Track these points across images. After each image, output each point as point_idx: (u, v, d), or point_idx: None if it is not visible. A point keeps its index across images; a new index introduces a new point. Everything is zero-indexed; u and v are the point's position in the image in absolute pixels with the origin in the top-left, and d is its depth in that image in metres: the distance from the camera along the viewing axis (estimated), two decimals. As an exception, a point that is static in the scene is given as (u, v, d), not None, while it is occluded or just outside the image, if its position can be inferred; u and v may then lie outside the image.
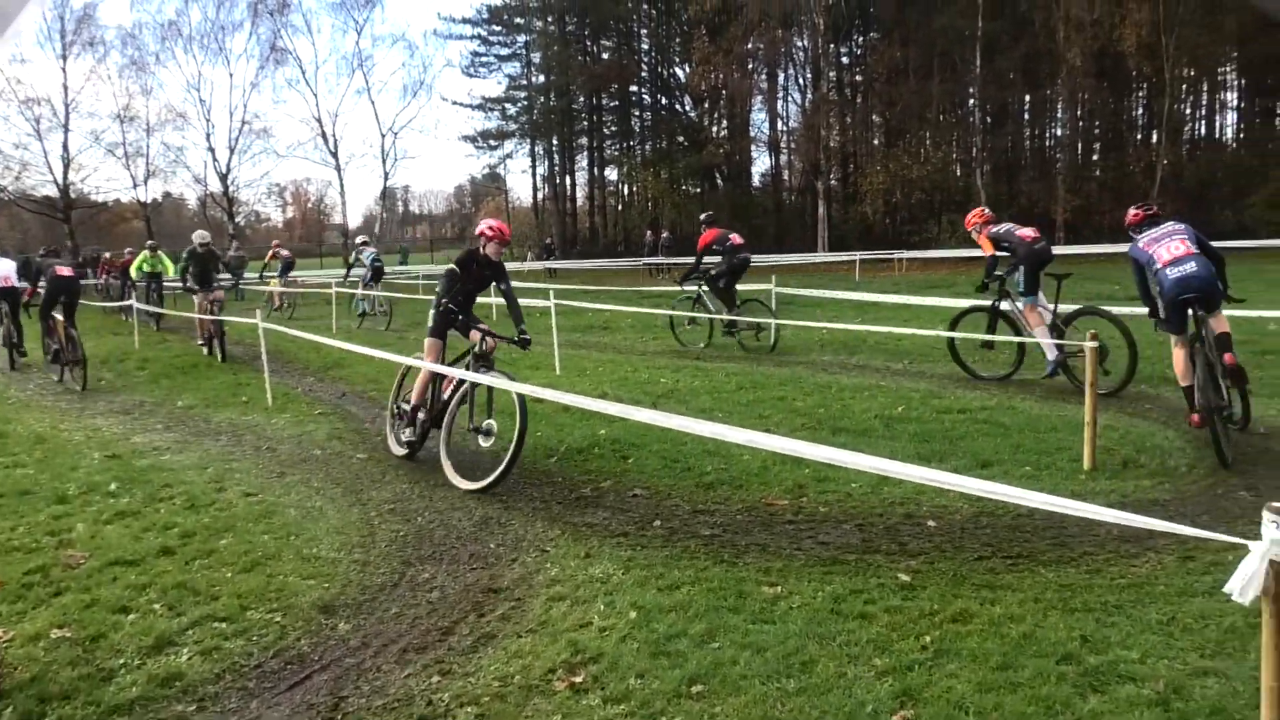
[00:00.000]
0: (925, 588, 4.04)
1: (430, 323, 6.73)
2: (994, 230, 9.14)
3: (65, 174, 49.99)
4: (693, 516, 5.31)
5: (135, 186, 52.76)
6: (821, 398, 8.57)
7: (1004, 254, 8.97)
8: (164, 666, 3.68)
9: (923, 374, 9.89)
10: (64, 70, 49.70)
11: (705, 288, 12.53)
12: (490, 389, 6.29)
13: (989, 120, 41.28)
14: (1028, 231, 8.99)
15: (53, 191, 50.64)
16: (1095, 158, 41.09)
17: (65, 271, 12.20)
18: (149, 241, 21.02)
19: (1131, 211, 7.08)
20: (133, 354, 14.74)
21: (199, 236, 14.11)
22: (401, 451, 7.08)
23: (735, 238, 12.50)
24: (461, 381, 6.43)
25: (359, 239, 23.82)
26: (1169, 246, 6.41)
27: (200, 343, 14.40)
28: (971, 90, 40.02)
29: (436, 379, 6.76)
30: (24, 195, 51.43)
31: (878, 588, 4.06)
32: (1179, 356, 6.45)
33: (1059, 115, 41.56)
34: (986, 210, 9.53)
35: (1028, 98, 41.14)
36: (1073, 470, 5.80)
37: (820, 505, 5.35)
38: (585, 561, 4.63)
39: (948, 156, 41.51)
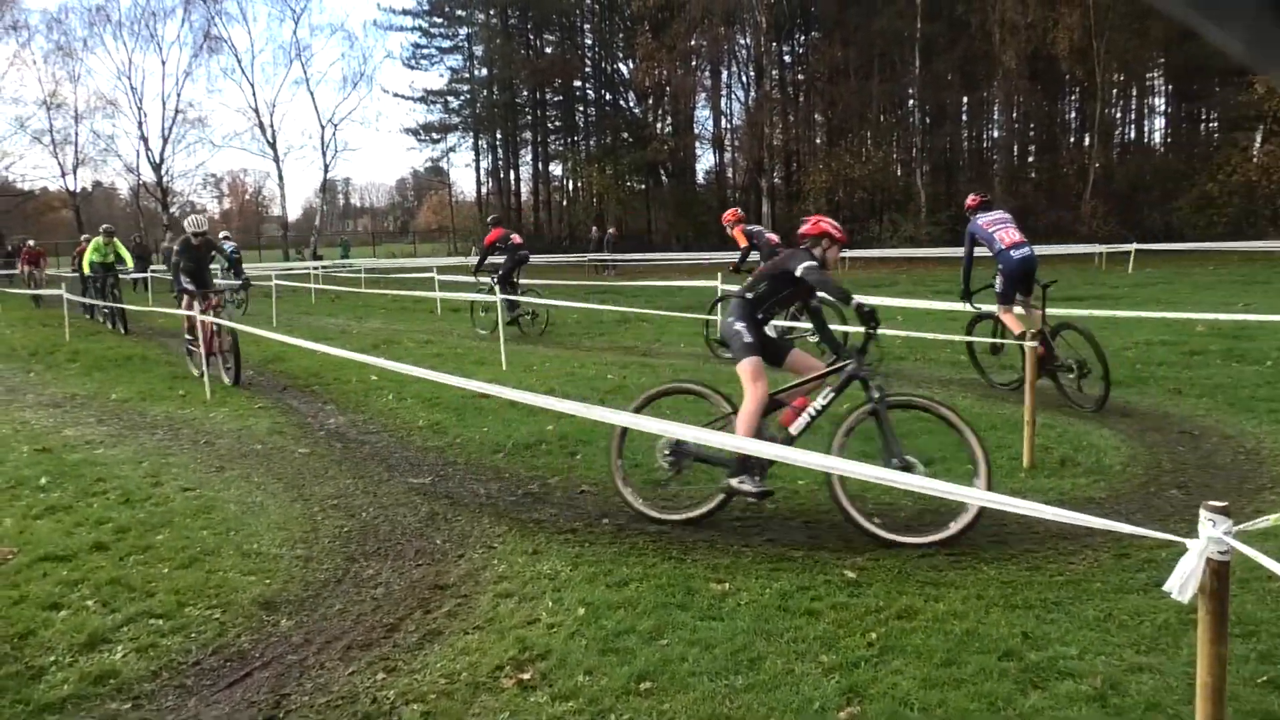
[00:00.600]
0: (871, 584, 4.08)
1: (746, 339, 5.23)
2: (748, 228, 11.22)
3: (-11, 162, 48.30)
4: (641, 513, 5.29)
5: (64, 175, 51.30)
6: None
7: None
8: (97, 664, 3.57)
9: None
10: (-14, 55, 48.02)
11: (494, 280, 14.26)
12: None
13: (928, 121, 42.00)
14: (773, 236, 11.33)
15: (-27, 179, 48.88)
16: (1031, 159, 42.03)
17: None
18: (104, 226, 17.79)
19: (971, 197, 8.59)
20: (64, 346, 14.31)
21: (193, 223, 10.73)
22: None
23: (515, 237, 14.66)
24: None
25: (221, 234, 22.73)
26: (1008, 231, 8.02)
27: (194, 360, 10.67)
28: (911, 91, 40.66)
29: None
30: (-58, 182, 49.59)
31: (824, 584, 4.09)
32: (1012, 319, 8.00)
33: (995, 117, 42.44)
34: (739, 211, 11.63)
35: (965, 99, 41.84)
36: (1012, 468, 5.91)
37: (768, 503, 5.37)
38: (533, 558, 4.59)
39: (888, 156, 42.11)
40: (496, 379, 8.98)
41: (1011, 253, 7.90)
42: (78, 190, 53.44)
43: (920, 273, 27.92)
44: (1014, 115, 40.21)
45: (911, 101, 41.66)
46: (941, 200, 38.38)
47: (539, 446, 6.88)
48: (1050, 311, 8.09)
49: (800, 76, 47.50)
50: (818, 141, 46.60)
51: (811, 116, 47.01)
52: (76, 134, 50.88)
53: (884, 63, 40.88)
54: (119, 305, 16.60)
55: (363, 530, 5.21)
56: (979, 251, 8.28)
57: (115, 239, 17.58)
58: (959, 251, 8.88)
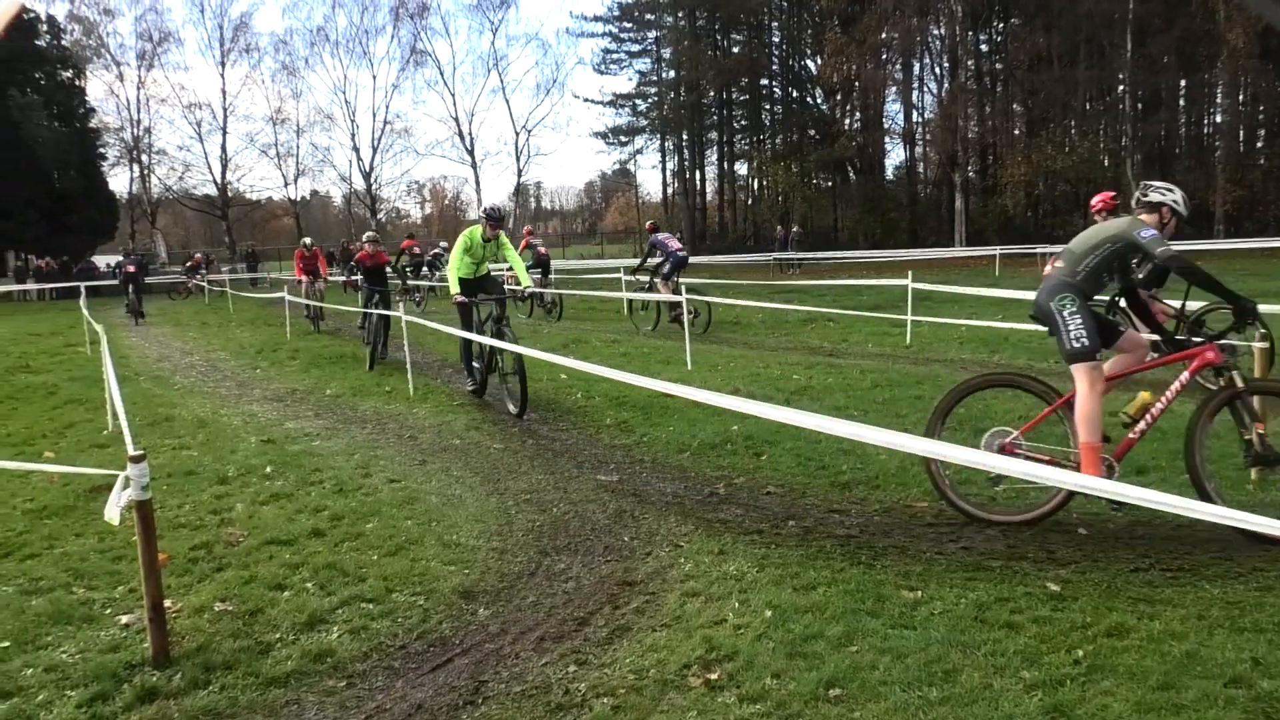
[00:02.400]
0: (1076, 599, 3.85)
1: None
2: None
3: (223, 174, 53.19)
4: (828, 516, 5.22)
5: (286, 185, 55.64)
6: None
7: None
8: (316, 643, 3.84)
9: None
10: (222, 76, 53.01)
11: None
12: None
13: (1140, 107, 39.25)
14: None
15: (212, 190, 53.83)
16: (1259, 145, 38.54)
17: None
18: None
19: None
20: (285, 344, 15.49)
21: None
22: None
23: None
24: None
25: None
26: None
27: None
28: (1121, 76, 38.17)
29: None
30: (187, 194, 54.85)
31: (1025, 596, 3.89)
32: None
33: (1218, 101, 39.20)
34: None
35: (1183, 82, 38.92)
36: (1239, 479, 5.43)
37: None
38: (719, 558, 4.60)
39: (1095, 146, 39.70)
40: (681, 379, 9.06)
41: None
42: (298, 199, 57.69)
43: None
44: (1240, 98, 37.02)
45: (1121, 87, 39.10)
46: (1155, 191, 35.78)
47: (724, 446, 6.89)
48: None
49: (998, 65, 45.59)
50: (1016, 133, 44.55)
51: (1009, 107, 45.00)
52: (297, 147, 55.30)
53: (1091, 47, 38.55)
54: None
55: (554, 525, 5.37)
56: None
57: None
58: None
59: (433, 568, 4.66)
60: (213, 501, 5.99)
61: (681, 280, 14.89)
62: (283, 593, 4.38)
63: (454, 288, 8.74)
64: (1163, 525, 4.68)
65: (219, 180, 53.24)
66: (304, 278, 19.83)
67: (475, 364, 9.49)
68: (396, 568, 4.65)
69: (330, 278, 22.41)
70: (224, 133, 53.04)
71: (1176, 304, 8.28)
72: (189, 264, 38.61)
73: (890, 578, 4.19)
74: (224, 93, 52.95)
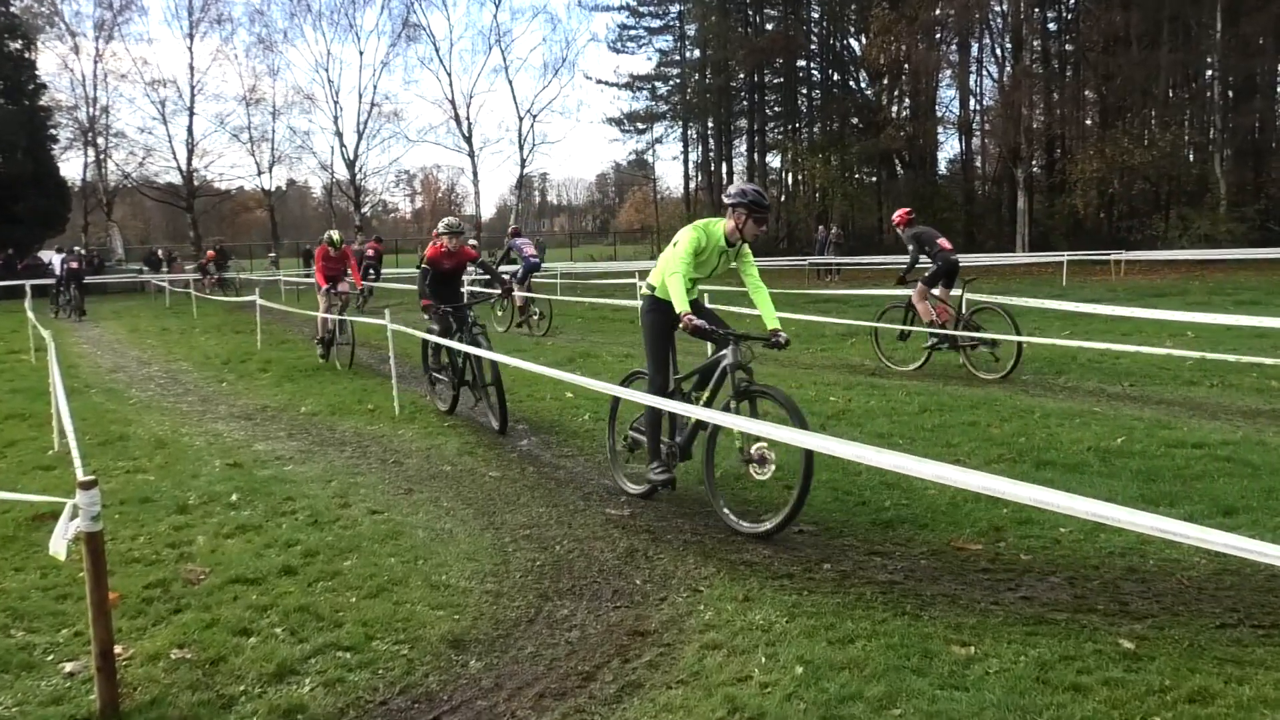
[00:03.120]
0: (1153, 658, 3.83)
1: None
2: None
3: (189, 160, 53.54)
4: (868, 559, 5.21)
5: (260, 174, 55.94)
6: (1022, 424, 8.28)
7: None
8: (285, 697, 3.85)
9: (1148, 399, 9.42)
10: (190, 50, 53.43)
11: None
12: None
13: (1231, 95, 39.05)
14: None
15: (176, 178, 54.19)
16: (1367, 138, 38.41)
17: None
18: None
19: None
20: (255, 355, 15.58)
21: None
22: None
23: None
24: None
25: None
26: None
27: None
28: (1210, 60, 38.09)
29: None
30: (147, 182, 55.23)
31: (1094, 655, 3.87)
32: None
33: (1322, 89, 39.08)
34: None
35: (1282, 67, 38.77)
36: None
37: (1022, 552, 5.16)
38: (744, 605, 4.60)
39: (1178, 139, 39.52)
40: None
41: None
42: (273, 189, 58.08)
43: (1218, 278, 26.00)
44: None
45: (1210, 73, 38.99)
46: (1248, 191, 35.67)
47: (749, 477, 6.87)
48: None
49: (1067, 47, 45.56)
50: (1088, 123, 44.51)
51: (1081, 94, 44.93)
52: (273, 130, 55.72)
53: (1175, 27, 38.52)
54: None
55: (556, 565, 5.38)
56: None
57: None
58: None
59: (419, 612, 4.67)
60: (171, 533, 6.01)
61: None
62: (248, 639, 4.39)
63: (682, 305, 5.89)
64: (1254, 575, 4.65)
65: (184, 167, 53.63)
66: (325, 285, 14.59)
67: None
68: (378, 612, 4.66)
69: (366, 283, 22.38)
70: (191, 114, 53.46)
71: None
72: (204, 260, 38.83)
73: (939, 631, 4.17)
74: (192, 69, 53.39)
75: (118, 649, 3.98)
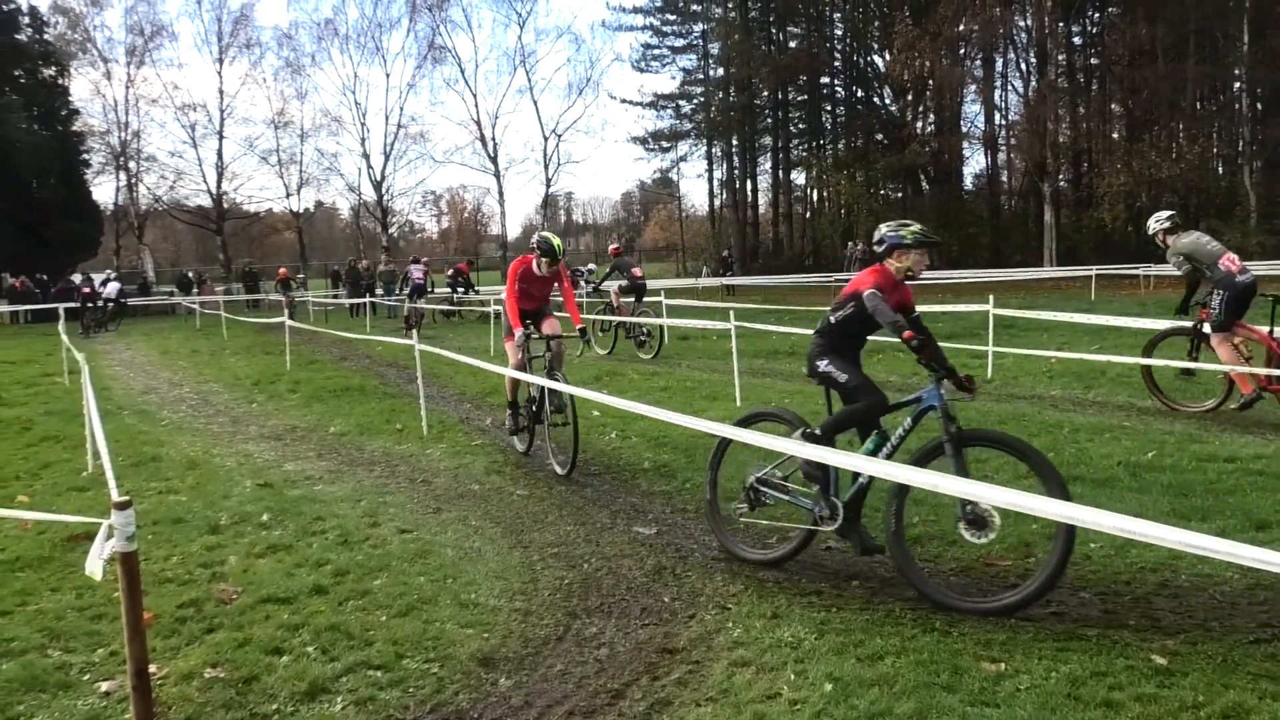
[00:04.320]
0: (1186, 674, 3.79)
1: None
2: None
3: (219, 183, 54.07)
4: (897, 575, 5.18)
5: (288, 196, 56.42)
6: (1051, 439, 8.23)
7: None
8: (318, 715, 3.88)
9: (1178, 414, 9.34)
10: (220, 74, 54.01)
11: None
12: None
13: (1259, 107, 38.78)
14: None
15: (206, 201, 54.75)
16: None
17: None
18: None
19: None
20: (285, 375, 15.71)
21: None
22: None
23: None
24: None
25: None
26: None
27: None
28: (1237, 72, 37.86)
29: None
30: (178, 205, 55.83)
31: (1126, 671, 3.84)
32: None
33: (1354, 100, 38.69)
34: None
35: (1312, 79, 38.40)
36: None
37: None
38: (772, 622, 4.59)
39: (1206, 152, 39.33)
40: (728, 417, 9.04)
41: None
42: (301, 211, 58.58)
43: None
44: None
45: (1238, 85, 38.73)
46: (1278, 204, 35.33)
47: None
48: None
49: (1093, 61, 45.47)
50: (1115, 136, 44.35)
51: (1107, 107, 44.79)
52: (302, 153, 56.19)
53: (1201, 40, 38.34)
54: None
55: (584, 583, 5.39)
56: None
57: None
58: None
59: (448, 630, 4.70)
60: (203, 553, 6.07)
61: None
62: (280, 657, 4.43)
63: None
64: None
65: (214, 190, 54.18)
66: (520, 326, 8.91)
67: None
68: (408, 630, 4.69)
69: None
70: (220, 137, 54.04)
71: None
72: (278, 280, 39.04)
73: (969, 647, 4.16)
74: (221, 93, 53.99)
75: (152, 668, 4.02)
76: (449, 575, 5.52)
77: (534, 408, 8.52)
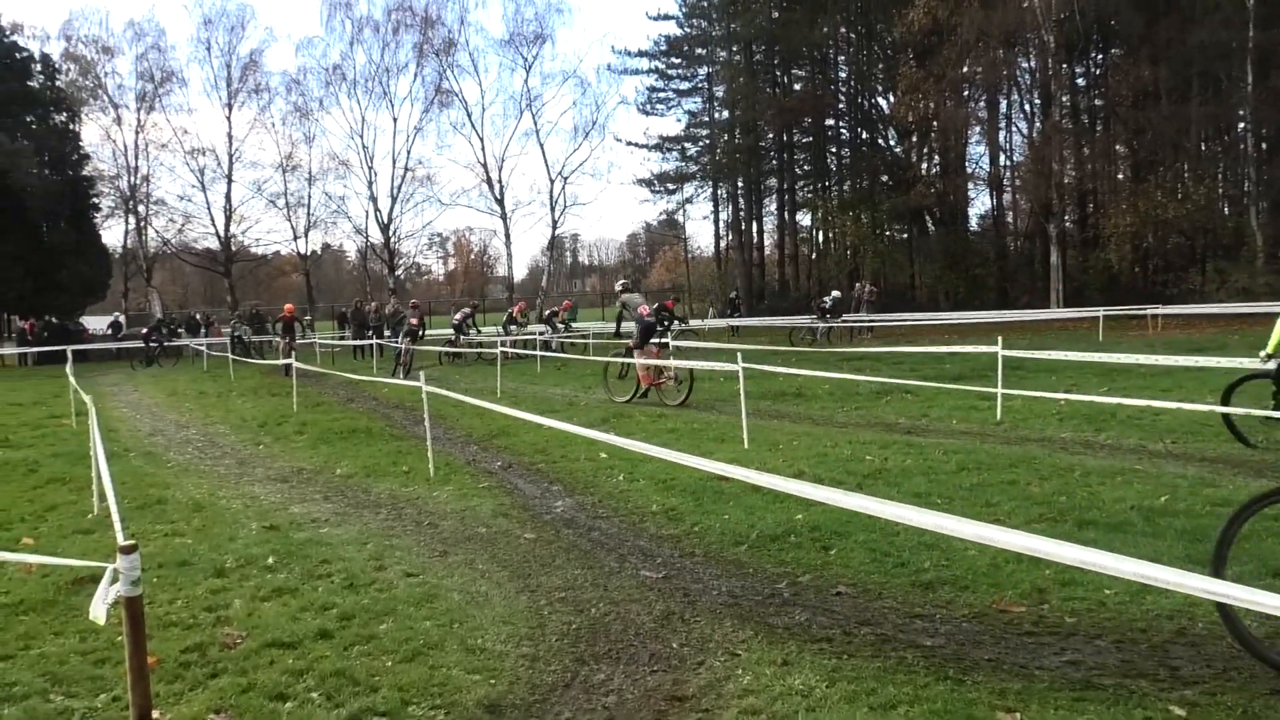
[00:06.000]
0: (1206, 725, 3.74)
1: None
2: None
3: (227, 225, 54.53)
4: (909, 622, 5.14)
5: (295, 239, 56.79)
6: (1062, 483, 8.17)
7: None
8: (322, 764, 3.83)
9: (1190, 456, 9.28)
10: (229, 119, 54.44)
11: None
12: None
13: (1265, 147, 38.86)
14: None
15: (214, 244, 55.19)
16: None
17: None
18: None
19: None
20: (291, 417, 15.70)
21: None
22: None
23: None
24: None
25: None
26: None
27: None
28: (1242, 112, 37.95)
29: None
30: (186, 248, 56.25)
31: (1144, 721, 3.79)
32: None
33: (1360, 140, 38.79)
34: None
35: (1318, 119, 38.51)
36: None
37: (1066, 615, 5.07)
38: (782, 670, 4.54)
39: (1212, 192, 39.35)
40: (737, 459, 9.02)
41: None
42: (308, 254, 58.91)
43: (1258, 331, 25.63)
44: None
45: (1243, 125, 38.81)
46: (1286, 243, 35.34)
47: (787, 538, 6.83)
48: None
49: (1097, 102, 45.68)
50: (1120, 177, 44.44)
51: (1112, 148, 44.92)
52: (309, 196, 56.62)
53: (1205, 80, 38.46)
54: None
55: (592, 628, 5.34)
56: None
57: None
58: None
59: (454, 676, 4.65)
60: (208, 597, 6.03)
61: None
62: (285, 703, 4.39)
63: None
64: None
65: (222, 233, 54.58)
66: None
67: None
68: (413, 676, 4.64)
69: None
70: (229, 181, 54.44)
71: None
72: (280, 318, 39.14)
73: (983, 696, 4.10)
74: (230, 137, 54.42)
75: (155, 714, 3.98)
76: (455, 620, 5.47)
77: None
